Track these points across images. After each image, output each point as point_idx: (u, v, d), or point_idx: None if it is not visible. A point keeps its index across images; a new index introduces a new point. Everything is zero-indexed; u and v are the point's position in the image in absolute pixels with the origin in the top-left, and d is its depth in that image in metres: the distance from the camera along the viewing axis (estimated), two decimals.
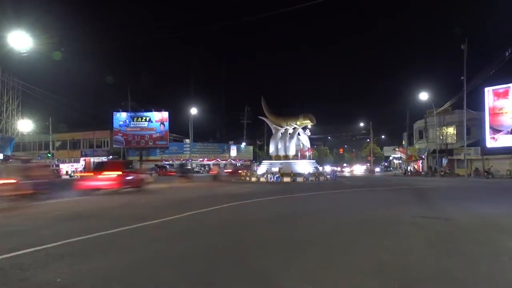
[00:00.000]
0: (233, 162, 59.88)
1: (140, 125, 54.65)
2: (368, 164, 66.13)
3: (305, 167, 30.80)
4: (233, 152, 59.12)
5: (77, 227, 7.44)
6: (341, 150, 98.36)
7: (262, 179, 29.45)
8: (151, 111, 54.99)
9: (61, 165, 56.65)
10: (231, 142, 60.82)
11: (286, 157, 31.99)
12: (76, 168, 54.59)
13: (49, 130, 52.51)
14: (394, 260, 4.71)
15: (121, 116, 54.54)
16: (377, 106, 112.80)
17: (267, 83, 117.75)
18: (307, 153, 32.95)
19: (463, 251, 5.26)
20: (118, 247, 5.70)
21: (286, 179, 27.99)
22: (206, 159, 58.48)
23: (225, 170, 37.39)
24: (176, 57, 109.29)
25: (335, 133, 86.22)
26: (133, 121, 54.53)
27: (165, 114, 54.72)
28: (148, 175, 22.00)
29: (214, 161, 59.07)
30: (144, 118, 54.72)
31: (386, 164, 71.08)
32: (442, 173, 37.52)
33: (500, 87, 36.31)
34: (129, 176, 17.00)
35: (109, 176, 15.94)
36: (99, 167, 18.93)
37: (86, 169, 54.70)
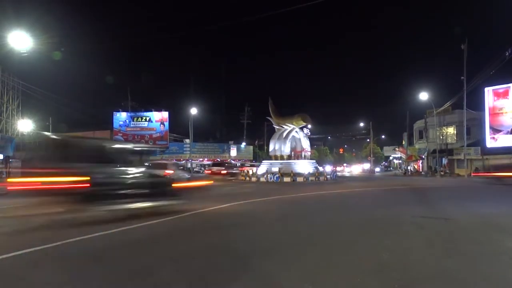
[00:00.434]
0: (233, 162, 59.91)
1: (140, 125, 54.62)
2: (368, 165, 66.16)
3: (305, 167, 30.82)
4: (233, 152, 59.08)
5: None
6: (341, 150, 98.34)
7: (262, 179, 29.48)
8: (151, 111, 54.96)
9: None
10: (231, 142, 60.77)
11: (286, 157, 32.03)
12: None
13: (49, 130, 52.51)
14: (394, 260, 4.71)
15: (121, 116, 54.53)
16: (377, 106, 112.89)
17: (267, 83, 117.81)
18: (303, 153, 32.95)
19: (463, 251, 5.26)
20: (118, 247, 5.70)
21: (286, 179, 28.01)
22: (206, 159, 58.43)
23: (210, 169, 37.28)
24: (176, 57, 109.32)
25: (335, 133, 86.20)
26: (133, 121, 54.51)
27: (165, 114, 54.69)
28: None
29: (214, 161, 59.07)
30: (144, 118, 54.69)
31: (386, 164, 71.11)
32: (442, 173, 37.53)
33: (500, 87, 36.31)
34: None
35: None
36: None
37: None
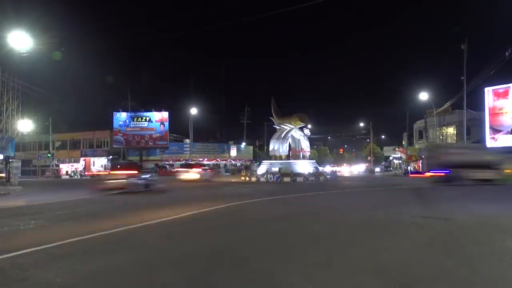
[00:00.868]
0: (233, 162, 59.90)
1: (140, 125, 54.60)
2: (367, 164, 66.13)
3: (305, 167, 30.81)
4: (233, 152, 59.05)
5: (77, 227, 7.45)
6: (341, 150, 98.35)
7: (262, 179, 29.49)
8: (151, 111, 54.95)
9: (61, 165, 56.66)
10: (231, 142, 60.75)
11: (285, 157, 32.04)
12: (76, 168, 54.62)
13: (49, 130, 52.50)
14: (394, 260, 4.71)
15: (121, 116, 54.51)
16: (377, 106, 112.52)
17: (267, 83, 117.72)
18: (301, 153, 32.95)
19: (463, 251, 5.26)
20: (119, 247, 5.70)
21: (286, 179, 28.02)
22: (206, 159, 58.42)
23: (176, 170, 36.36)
24: (176, 57, 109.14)
25: (335, 133, 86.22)
26: (133, 121, 54.49)
27: (165, 114, 54.66)
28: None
29: (214, 161, 59.10)
30: (144, 118, 54.67)
31: (386, 164, 71.09)
32: None
33: (500, 87, 36.29)
34: None
35: None
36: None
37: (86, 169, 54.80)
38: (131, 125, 54.34)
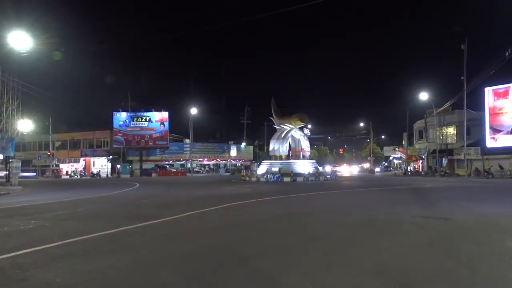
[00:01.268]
0: (233, 162, 59.89)
1: (140, 125, 54.60)
2: (366, 164, 66.09)
3: (305, 167, 30.81)
4: (233, 152, 59.06)
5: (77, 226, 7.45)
6: (341, 150, 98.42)
7: (262, 179, 29.49)
8: (151, 111, 54.95)
9: (61, 165, 56.64)
10: (231, 142, 60.75)
11: (285, 157, 32.03)
12: (76, 168, 54.60)
13: (49, 130, 52.49)
14: (394, 260, 4.71)
15: (121, 116, 54.51)
16: (377, 106, 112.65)
17: (267, 83, 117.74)
18: (301, 153, 32.95)
19: (463, 251, 5.26)
20: (119, 247, 5.70)
21: (286, 179, 28.03)
22: (206, 159, 58.41)
23: None
24: (176, 57, 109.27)
25: (335, 133, 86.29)
26: (133, 121, 54.48)
27: (165, 114, 54.67)
28: None
29: (214, 161, 59.10)
30: (144, 118, 54.67)
31: (386, 164, 71.07)
32: (442, 173, 37.52)
33: (500, 87, 36.30)
34: None
35: None
36: None
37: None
38: (131, 125, 54.35)
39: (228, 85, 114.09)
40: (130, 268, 4.48)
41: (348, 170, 68.48)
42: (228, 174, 54.64)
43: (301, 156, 32.84)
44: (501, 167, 34.13)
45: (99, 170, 52.38)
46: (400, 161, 63.38)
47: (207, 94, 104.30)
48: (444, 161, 41.53)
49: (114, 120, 54.18)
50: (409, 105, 50.89)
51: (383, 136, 77.96)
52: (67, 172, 54.48)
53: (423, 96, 40.74)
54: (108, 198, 14.53)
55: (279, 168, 30.15)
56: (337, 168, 57.65)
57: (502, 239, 6.11)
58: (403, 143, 55.45)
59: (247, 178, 30.78)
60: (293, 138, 33.42)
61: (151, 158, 54.57)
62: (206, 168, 61.44)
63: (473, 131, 39.90)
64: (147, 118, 54.65)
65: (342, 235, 6.65)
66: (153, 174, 48.68)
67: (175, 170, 53.20)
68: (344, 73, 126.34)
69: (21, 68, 29.65)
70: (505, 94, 36.03)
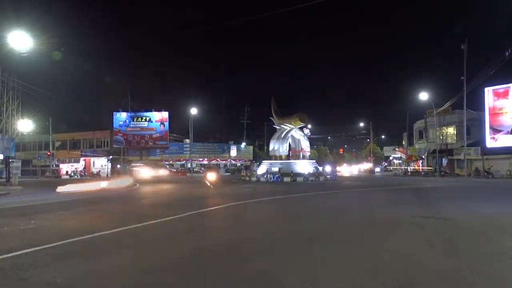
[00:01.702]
0: (233, 162, 59.89)
1: (140, 125, 54.61)
2: (368, 164, 66.07)
3: (305, 167, 30.81)
4: (233, 152, 59.08)
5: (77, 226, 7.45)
6: (341, 150, 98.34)
7: (262, 179, 29.49)
8: (151, 111, 54.96)
9: (61, 165, 56.63)
10: (231, 142, 60.76)
11: (285, 157, 32.04)
12: (76, 168, 54.61)
13: (49, 130, 52.48)
14: (394, 260, 4.71)
15: (121, 116, 54.52)
16: (377, 106, 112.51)
17: (267, 83, 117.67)
18: (301, 153, 32.94)
19: (463, 251, 5.26)
20: (119, 247, 5.70)
21: (286, 179, 28.03)
22: (206, 159, 58.41)
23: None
24: (176, 57, 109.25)
25: (335, 133, 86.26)
26: (133, 121, 54.49)
27: (165, 114, 54.68)
28: None
29: (214, 161, 59.08)
30: (144, 118, 54.68)
31: (386, 164, 71.08)
32: (442, 173, 37.52)
33: (500, 87, 36.29)
34: None
35: None
36: None
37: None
38: (131, 125, 54.36)
39: (228, 85, 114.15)
40: (130, 268, 4.49)
41: (348, 170, 68.48)
42: (228, 174, 54.67)
43: (301, 156, 32.83)
44: (488, 173, 33.42)
45: (99, 170, 52.36)
46: (400, 161, 63.36)
47: (207, 94, 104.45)
48: (444, 161, 41.53)
49: (114, 120, 54.19)
50: (409, 105, 50.98)
51: (383, 136, 77.96)
52: (67, 172, 54.47)
53: (423, 96, 40.72)
54: (108, 197, 14.53)
55: (279, 168, 30.15)
56: (337, 168, 57.62)
57: (502, 239, 6.11)
58: (403, 143, 55.45)
59: (247, 178, 30.78)
60: (293, 138, 33.42)
61: (151, 158, 54.56)
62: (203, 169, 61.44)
63: (473, 131, 39.88)
64: (147, 118, 54.66)
65: (342, 235, 6.65)
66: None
67: (175, 170, 53.24)
68: (344, 73, 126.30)
69: (21, 68, 29.64)
70: (505, 94, 36.02)
